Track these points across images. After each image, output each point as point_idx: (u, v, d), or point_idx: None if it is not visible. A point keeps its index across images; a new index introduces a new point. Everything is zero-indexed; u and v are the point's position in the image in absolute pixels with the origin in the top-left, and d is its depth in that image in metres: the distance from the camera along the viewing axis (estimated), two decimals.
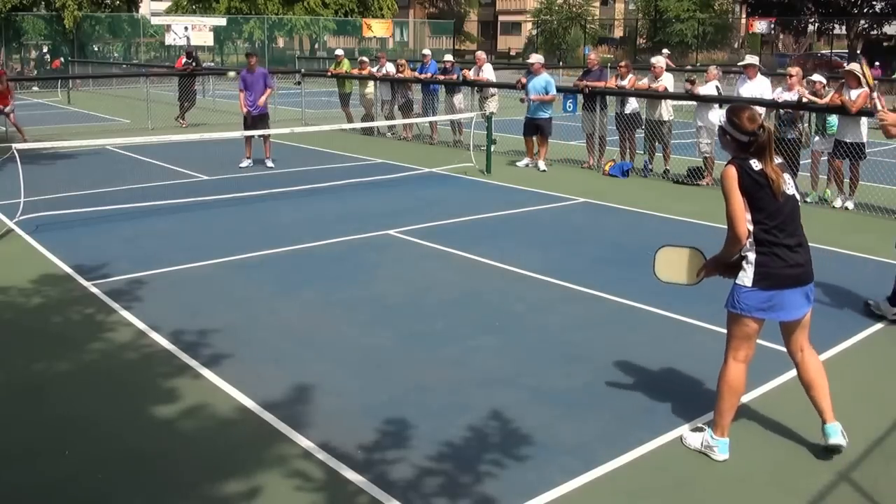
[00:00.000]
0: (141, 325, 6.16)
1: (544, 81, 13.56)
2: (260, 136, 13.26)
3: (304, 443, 4.43)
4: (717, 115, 12.38)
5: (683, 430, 4.62)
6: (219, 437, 4.57)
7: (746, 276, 4.19)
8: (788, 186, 4.20)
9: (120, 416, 4.79)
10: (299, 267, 7.84)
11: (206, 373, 5.34)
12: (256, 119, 13.35)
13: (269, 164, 13.46)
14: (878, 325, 6.40)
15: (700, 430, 4.55)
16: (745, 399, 5.01)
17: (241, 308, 6.61)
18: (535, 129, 13.68)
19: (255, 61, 13.95)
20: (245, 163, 13.42)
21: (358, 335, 6.08)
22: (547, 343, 5.97)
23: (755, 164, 4.14)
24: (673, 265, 4.56)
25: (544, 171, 13.44)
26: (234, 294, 6.99)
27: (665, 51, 22.42)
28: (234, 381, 5.20)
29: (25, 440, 4.51)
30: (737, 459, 4.37)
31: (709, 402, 4.94)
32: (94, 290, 6.99)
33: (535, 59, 14.08)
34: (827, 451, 4.38)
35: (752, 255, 4.18)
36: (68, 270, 7.54)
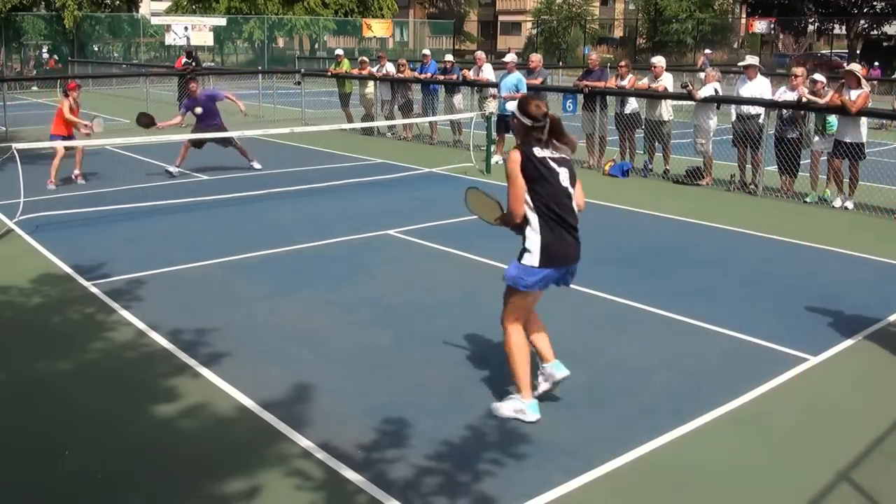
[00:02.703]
0: (140, 325, 6.16)
1: (515, 80, 13.89)
2: (231, 145, 12.84)
3: (304, 442, 4.43)
4: (715, 119, 12.41)
5: (681, 429, 4.62)
6: (218, 436, 4.57)
7: (533, 258, 4.57)
8: (563, 179, 4.58)
9: (120, 416, 4.79)
10: (299, 267, 7.83)
11: (206, 372, 5.34)
12: (224, 140, 12.68)
13: (257, 165, 13.13)
14: (879, 325, 6.39)
15: (508, 399, 4.80)
16: (744, 399, 5.03)
17: (240, 308, 6.61)
18: (508, 126, 13.79)
19: (196, 86, 13.02)
20: (174, 170, 12.50)
21: (358, 335, 6.07)
22: None
23: (538, 151, 4.54)
24: (482, 206, 4.92)
25: None
26: (234, 294, 6.99)
27: (708, 50, 22.41)
28: (234, 380, 5.19)
29: (25, 440, 4.51)
30: (737, 459, 4.37)
31: (709, 402, 4.95)
32: (94, 289, 6.99)
33: (509, 58, 14.63)
34: (554, 384, 4.88)
35: (535, 238, 4.56)
36: (68, 270, 7.54)
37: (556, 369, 4.89)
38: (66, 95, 11.71)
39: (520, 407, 4.70)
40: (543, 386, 4.91)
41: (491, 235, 9.17)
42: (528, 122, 4.57)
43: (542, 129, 4.56)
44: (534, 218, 4.55)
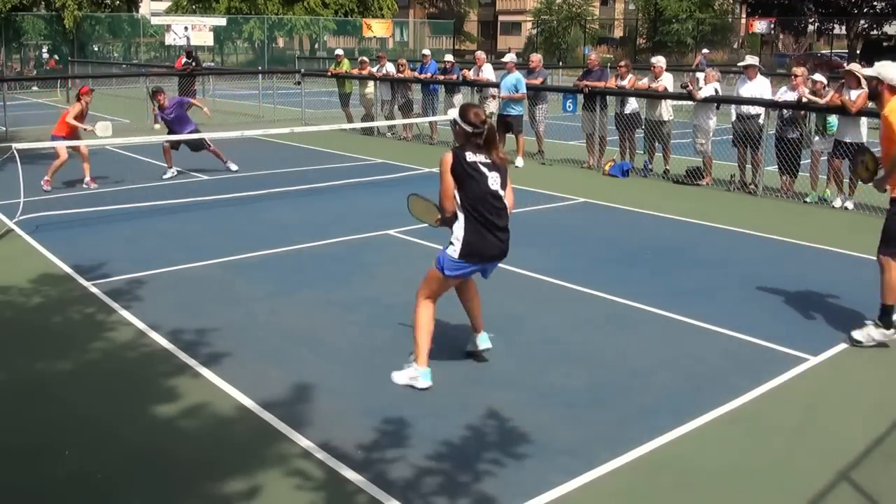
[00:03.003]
0: (140, 325, 6.16)
1: (515, 79, 13.95)
2: (204, 149, 12.74)
3: (304, 442, 4.43)
4: (715, 119, 12.41)
5: (681, 429, 4.62)
6: (218, 436, 4.57)
7: (454, 250, 4.98)
8: (493, 183, 4.97)
9: (120, 416, 4.79)
10: (299, 267, 7.83)
11: (206, 372, 5.34)
12: (196, 143, 12.60)
13: (233, 167, 12.90)
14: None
15: (405, 367, 5.19)
16: (744, 399, 5.03)
17: (240, 308, 6.61)
18: (507, 126, 13.94)
19: (163, 97, 12.57)
20: (169, 174, 12.52)
21: (357, 335, 6.07)
22: (547, 343, 5.97)
23: (469, 156, 4.94)
24: (422, 210, 5.43)
25: (520, 166, 13.70)
26: (234, 294, 6.99)
27: (705, 50, 22.45)
28: (234, 380, 5.19)
29: (25, 439, 4.51)
30: (737, 459, 4.37)
31: (709, 402, 4.95)
32: (94, 289, 6.99)
33: (509, 58, 14.71)
34: (476, 357, 5.43)
35: (459, 232, 4.96)
36: (68, 270, 7.54)
37: (481, 341, 5.46)
38: (79, 99, 11.51)
39: (414, 374, 5.12)
40: (470, 347, 5.53)
41: None
42: (468, 128, 4.97)
43: (479, 136, 4.97)
44: (461, 215, 4.97)
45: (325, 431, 4.54)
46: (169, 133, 12.68)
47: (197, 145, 12.74)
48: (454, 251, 4.97)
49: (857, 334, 5.96)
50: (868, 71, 6.29)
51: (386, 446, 4.40)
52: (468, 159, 4.93)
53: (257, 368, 5.43)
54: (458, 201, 4.95)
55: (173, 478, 4.14)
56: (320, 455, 4.30)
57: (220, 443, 4.49)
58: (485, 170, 4.94)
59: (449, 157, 4.95)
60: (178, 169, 12.63)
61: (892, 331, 5.89)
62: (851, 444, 4.49)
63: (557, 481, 4.06)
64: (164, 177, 12.44)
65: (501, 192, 5.00)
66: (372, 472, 4.14)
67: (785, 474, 4.23)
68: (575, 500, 3.96)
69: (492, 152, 5.02)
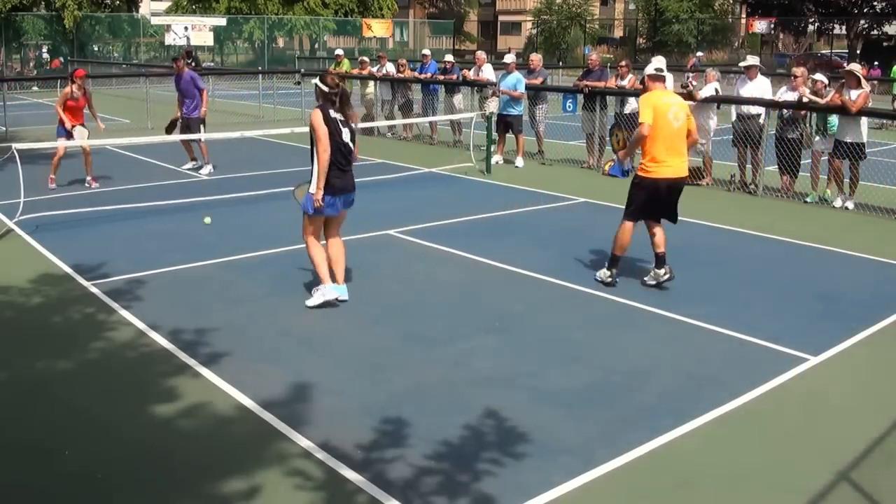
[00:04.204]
0: (140, 325, 6.16)
1: (515, 79, 13.99)
2: (195, 138, 12.83)
3: (303, 442, 4.43)
4: (715, 119, 12.41)
5: (681, 429, 4.62)
6: (218, 435, 4.57)
7: (319, 199, 6.28)
8: (346, 136, 6.33)
9: (120, 416, 4.79)
10: (299, 267, 7.82)
11: (206, 372, 5.34)
12: (192, 122, 12.70)
13: (207, 170, 12.80)
14: (879, 325, 6.39)
15: (314, 292, 6.48)
16: (744, 399, 5.03)
17: (240, 308, 6.61)
18: (507, 126, 14.00)
19: (182, 65, 13.07)
20: (189, 164, 13.07)
21: (357, 335, 6.07)
22: (547, 343, 5.97)
23: (331, 113, 6.25)
24: (299, 192, 6.73)
25: (520, 166, 13.71)
26: (234, 294, 6.99)
27: (699, 53, 22.44)
28: (234, 380, 5.19)
29: (25, 439, 4.51)
30: (737, 459, 4.37)
31: (709, 402, 4.96)
32: (94, 289, 6.99)
33: (509, 58, 14.71)
34: (339, 301, 6.49)
35: (321, 181, 6.22)
36: (68, 270, 7.54)
37: (338, 290, 6.56)
38: (73, 82, 11.39)
39: (324, 292, 6.45)
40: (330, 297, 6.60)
41: (491, 235, 9.21)
42: (326, 89, 6.29)
43: (336, 96, 6.28)
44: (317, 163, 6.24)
45: (324, 431, 4.54)
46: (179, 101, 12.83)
47: (190, 126, 12.70)
48: (320, 201, 6.28)
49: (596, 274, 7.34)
50: None
51: (385, 446, 4.40)
52: (331, 115, 6.23)
53: (257, 368, 5.43)
54: (322, 162, 6.19)
55: (173, 478, 4.14)
56: (320, 455, 4.30)
57: (220, 443, 4.49)
58: (341, 126, 6.29)
59: (319, 113, 6.20)
60: (197, 164, 13.01)
61: (612, 272, 7.22)
62: (851, 444, 4.49)
63: (557, 481, 4.06)
64: (184, 168, 12.99)
65: (351, 146, 6.41)
66: (371, 471, 4.14)
67: (785, 474, 4.23)
68: (575, 500, 3.96)
69: (346, 111, 6.34)
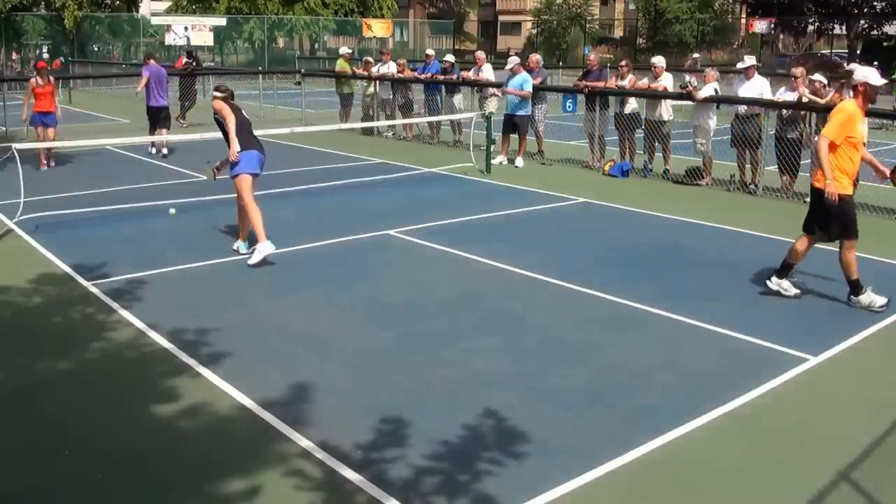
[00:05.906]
0: (140, 325, 6.16)
1: (521, 80, 13.96)
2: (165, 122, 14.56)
3: (303, 442, 4.43)
4: (715, 119, 12.41)
5: (681, 429, 4.62)
6: (218, 435, 4.57)
7: (236, 154, 7.68)
8: (246, 114, 8.04)
9: (120, 415, 4.79)
10: (299, 267, 7.83)
11: (206, 372, 5.34)
12: (162, 110, 14.58)
13: (157, 152, 14.35)
14: (879, 325, 6.39)
15: (253, 250, 7.65)
16: (744, 399, 5.03)
17: (240, 308, 6.61)
18: (514, 126, 13.97)
19: (153, 61, 15.30)
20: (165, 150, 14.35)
21: (357, 335, 6.07)
22: (547, 343, 5.97)
23: (234, 102, 7.88)
24: (211, 174, 8.40)
25: (520, 167, 13.72)
26: (234, 294, 6.99)
27: (696, 54, 22.37)
28: (234, 380, 5.19)
29: (26, 439, 4.51)
30: (737, 459, 4.37)
31: (709, 402, 4.95)
32: (94, 289, 6.99)
33: (513, 61, 14.65)
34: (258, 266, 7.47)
35: (236, 145, 7.67)
36: (68, 270, 7.54)
37: (240, 247, 8.03)
38: (37, 74, 12.90)
39: (262, 249, 7.59)
40: (234, 247, 8.16)
41: (491, 235, 9.21)
42: (226, 94, 7.88)
43: (232, 95, 7.92)
44: (235, 138, 7.68)
45: (324, 431, 4.54)
46: (148, 88, 14.49)
47: (158, 116, 14.52)
48: (237, 155, 7.65)
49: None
50: None
51: (385, 446, 4.40)
52: (234, 103, 7.88)
53: (257, 368, 5.43)
54: (232, 129, 7.63)
55: (173, 476, 4.14)
56: (320, 455, 4.30)
57: (220, 443, 4.49)
58: (243, 111, 8.02)
59: (224, 103, 7.76)
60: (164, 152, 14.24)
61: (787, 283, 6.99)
62: (851, 444, 4.49)
63: (557, 481, 4.06)
64: (151, 151, 14.40)
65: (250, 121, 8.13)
66: (371, 471, 4.14)
67: (785, 474, 4.23)
68: (575, 500, 3.96)
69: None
